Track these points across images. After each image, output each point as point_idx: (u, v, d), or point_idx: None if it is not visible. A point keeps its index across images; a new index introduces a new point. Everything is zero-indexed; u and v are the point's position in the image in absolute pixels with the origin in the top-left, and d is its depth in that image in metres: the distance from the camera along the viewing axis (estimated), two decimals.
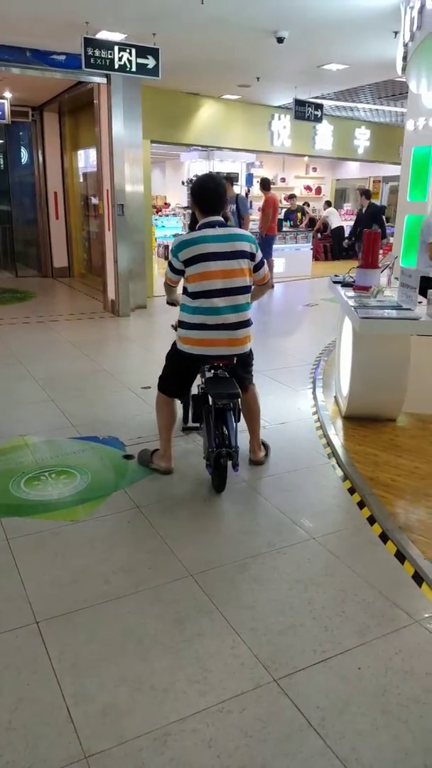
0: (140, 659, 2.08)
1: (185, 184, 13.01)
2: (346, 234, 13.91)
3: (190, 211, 8.19)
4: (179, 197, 15.28)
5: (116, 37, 6.34)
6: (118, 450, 3.78)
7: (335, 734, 1.80)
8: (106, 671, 2.03)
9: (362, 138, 12.56)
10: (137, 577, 2.52)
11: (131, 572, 2.56)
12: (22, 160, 11.40)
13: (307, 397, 4.79)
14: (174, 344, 3.25)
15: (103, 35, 6.26)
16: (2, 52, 6.83)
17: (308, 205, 15.62)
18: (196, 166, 13.27)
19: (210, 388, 3.08)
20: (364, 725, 1.83)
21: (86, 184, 10.50)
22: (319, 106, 9.38)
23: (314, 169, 16.58)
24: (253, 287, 3.20)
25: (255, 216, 11.28)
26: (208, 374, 3.22)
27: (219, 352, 3.10)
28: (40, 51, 7.00)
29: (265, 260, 3.24)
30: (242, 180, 13.20)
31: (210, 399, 3.07)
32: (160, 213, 14.85)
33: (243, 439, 3.48)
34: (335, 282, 4.55)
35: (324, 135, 11.71)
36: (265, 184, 10.09)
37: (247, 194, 12.09)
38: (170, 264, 3.15)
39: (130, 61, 6.32)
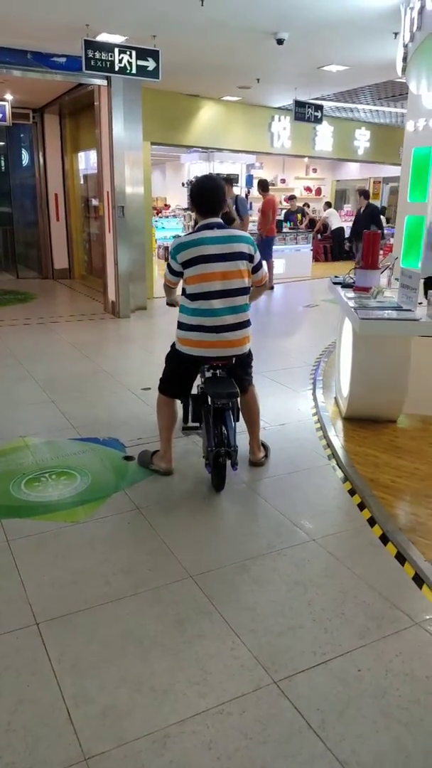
0: (140, 660, 2.08)
1: (185, 185, 13.00)
2: (347, 235, 13.94)
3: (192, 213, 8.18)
4: (179, 199, 15.27)
5: (116, 39, 6.35)
6: (118, 451, 3.78)
7: (335, 736, 1.79)
8: (106, 672, 2.03)
9: (362, 139, 12.57)
10: (137, 579, 2.52)
11: (131, 573, 2.56)
12: (23, 162, 11.41)
13: (307, 398, 4.79)
14: (173, 346, 3.26)
15: (104, 38, 6.27)
16: (3, 54, 6.85)
17: (308, 206, 15.61)
18: (197, 168, 13.26)
19: (209, 387, 3.09)
20: (365, 727, 1.83)
21: (87, 186, 10.52)
22: (319, 108, 9.39)
23: (314, 170, 16.58)
24: (251, 288, 3.21)
25: (254, 217, 11.27)
26: (207, 374, 3.23)
27: (217, 353, 3.11)
28: (41, 53, 7.02)
29: (263, 262, 3.25)
30: (242, 181, 13.20)
31: (209, 399, 3.08)
32: (160, 214, 14.86)
33: (243, 439, 3.49)
34: (335, 283, 4.56)
35: (324, 136, 11.72)
36: (264, 186, 10.07)
37: (247, 195, 12.08)
38: (169, 266, 3.16)
39: (130, 63, 6.33)
